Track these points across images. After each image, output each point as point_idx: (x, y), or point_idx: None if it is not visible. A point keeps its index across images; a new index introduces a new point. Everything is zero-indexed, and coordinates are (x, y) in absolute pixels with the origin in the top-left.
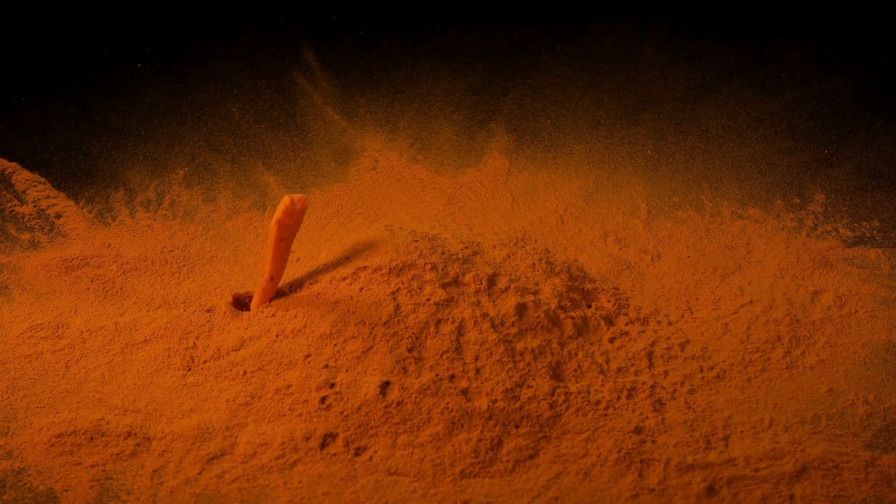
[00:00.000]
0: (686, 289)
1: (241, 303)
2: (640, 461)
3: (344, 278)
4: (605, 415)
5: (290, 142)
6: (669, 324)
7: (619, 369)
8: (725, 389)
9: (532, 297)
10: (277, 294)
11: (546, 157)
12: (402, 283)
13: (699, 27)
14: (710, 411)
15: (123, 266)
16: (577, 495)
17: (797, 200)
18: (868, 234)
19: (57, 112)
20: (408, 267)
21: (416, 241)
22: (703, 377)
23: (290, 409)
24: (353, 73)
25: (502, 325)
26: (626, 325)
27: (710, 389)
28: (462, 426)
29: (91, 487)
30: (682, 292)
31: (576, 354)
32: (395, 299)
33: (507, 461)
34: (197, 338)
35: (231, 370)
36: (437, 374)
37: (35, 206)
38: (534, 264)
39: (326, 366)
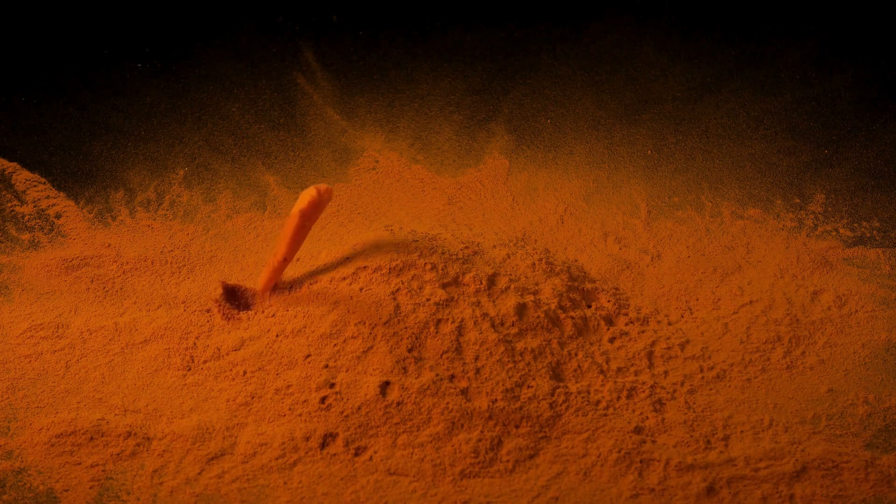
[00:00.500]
0: (686, 289)
1: (232, 293)
2: (640, 461)
3: (344, 278)
4: (605, 415)
5: (290, 142)
6: (669, 324)
7: (619, 369)
8: (725, 389)
9: (532, 297)
10: (278, 290)
11: (546, 157)
12: (402, 283)
13: (699, 27)
14: (710, 411)
15: (123, 266)
16: (577, 495)
17: (797, 200)
18: (868, 234)
19: (57, 112)
20: (408, 267)
21: (416, 241)
22: (703, 377)
23: (290, 409)
24: (353, 73)
25: (502, 325)
26: (626, 325)
27: (710, 389)
28: (462, 426)
29: (91, 487)
30: (682, 292)
31: (576, 354)
32: (395, 299)
33: (507, 461)
34: (197, 338)
35: (231, 370)
36: (437, 374)
37: (35, 206)
38: (534, 264)
39: (326, 366)
